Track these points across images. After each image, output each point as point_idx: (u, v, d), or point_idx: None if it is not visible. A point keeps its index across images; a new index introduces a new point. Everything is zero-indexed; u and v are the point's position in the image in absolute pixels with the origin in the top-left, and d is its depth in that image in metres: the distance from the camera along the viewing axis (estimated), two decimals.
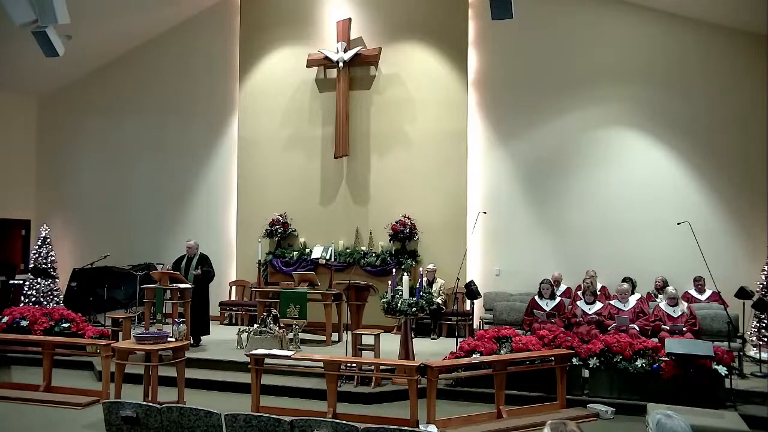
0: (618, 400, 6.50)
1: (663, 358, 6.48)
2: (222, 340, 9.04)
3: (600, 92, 10.01)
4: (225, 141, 11.75)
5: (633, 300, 8.27)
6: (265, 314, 8.25)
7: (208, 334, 8.89)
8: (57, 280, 11.20)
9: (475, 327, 9.58)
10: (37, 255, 11.09)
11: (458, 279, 8.44)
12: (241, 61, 11.62)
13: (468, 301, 9.18)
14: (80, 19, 9.20)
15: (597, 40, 10.04)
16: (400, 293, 7.01)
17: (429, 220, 10.53)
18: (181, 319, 7.78)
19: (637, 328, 7.69)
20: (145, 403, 4.73)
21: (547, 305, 8.15)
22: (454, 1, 10.61)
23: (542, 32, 10.24)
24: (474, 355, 6.71)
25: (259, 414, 4.30)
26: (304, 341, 8.77)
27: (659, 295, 8.89)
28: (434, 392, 5.78)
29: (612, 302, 8.16)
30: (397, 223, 10.42)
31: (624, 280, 9.00)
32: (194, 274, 8.68)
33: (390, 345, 7.85)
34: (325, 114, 11.10)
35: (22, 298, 10.89)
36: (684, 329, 7.47)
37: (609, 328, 7.54)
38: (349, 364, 6.90)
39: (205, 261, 8.95)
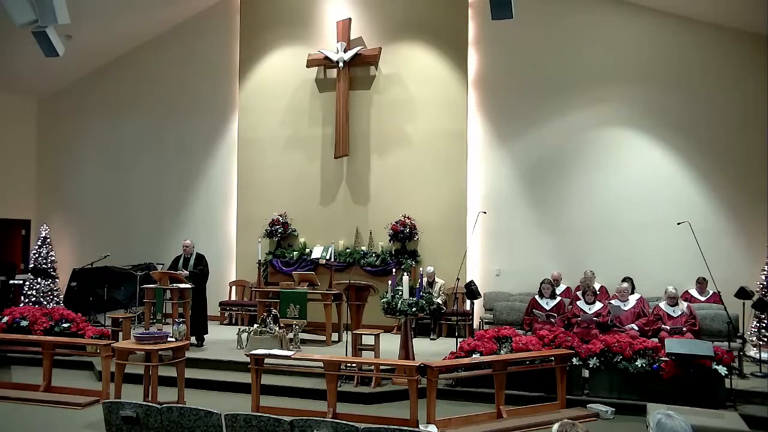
0: (618, 400, 6.50)
1: (663, 358, 6.48)
2: (222, 340, 9.05)
3: (600, 92, 10.01)
4: (225, 141, 11.75)
5: (633, 300, 8.27)
6: (265, 314, 8.26)
7: (206, 333, 8.89)
8: (57, 280, 11.21)
9: (475, 327, 9.59)
10: (37, 255, 11.09)
11: (458, 279, 8.43)
12: (241, 61, 11.62)
13: (468, 301, 9.18)
14: (80, 19, 9.21)
15: (597, 40, 10.04)
16: (400, 293, 7.01)
17: (429, 220, 10.53)
18: (181, 319, 7.79)
19: (637, 328, 7.70)
20: (145, 403, 4.73)
21: (548, 305, 8.15)
22: (454, 1, 10.61)
23: (542, 32, 10.23)
24: (474, 355, 6.71)
25: (259, 414, 4.30)
26: (304, 341, 8.78)
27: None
28: (434, 392, 5.78)
29: (612, 302, 8.15)
30: (397, 223, 10.42)
31: (624, 280, 9.00)
32: (182, 274, 8.64)
33: (390, 345, 7.86)
34: (325, 114, 11.10)
35: (22, 298, 10.90)
36: (684, 329, 7.47)
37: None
38: (349, 364, 6.90)
39: (200, 260, 8.95)
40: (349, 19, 10.96)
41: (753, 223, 9.25)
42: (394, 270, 8.66)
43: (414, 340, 7.48)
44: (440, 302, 9.59)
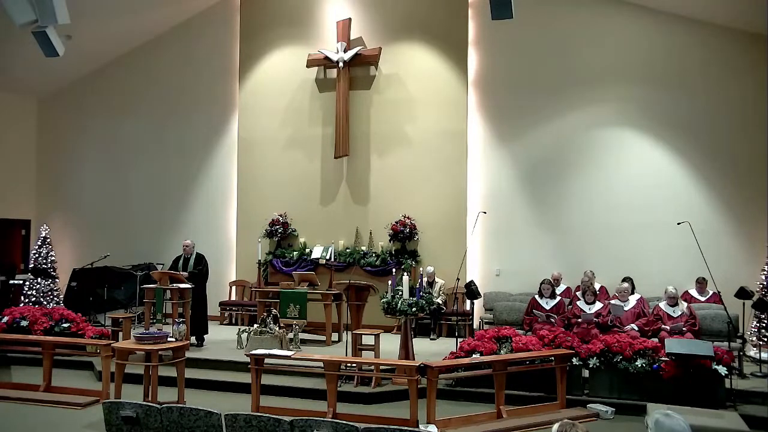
0: (618, 400, 6.50)
1: (663, 358, 6.47)
2: (222, 340, 9.05)
3: (600, 92, 10.01)
4: (225, 141, 11.75)
5: (633, 300, 8.26)
6: (265, 314, 8.26)
7: (207, 333, 8.89)
8: (57, 280, 11.21)
9: (475, 327, 9.58)
10: (37, 255, 11.09)
11: (458, 279, 8.43)
12: (241, 60, 11.63)
13: (468, 301, 9.18)
14: (80, 19, 9.21)
15: (597, 40, 10.04)
16: (400, 293, 7.01)
17: (429, 220, 10.53)
18: (181, 319, 7.79)
19: (637, 328, 7.70)
20: (145, 403, 4.73)
21: (548, 305, 8.15)
22: (454, 1, 10.61)
23: (542, 32, 10.23)
24: (474, 355, 6.71)
25: (259, 414, 4.30)
26: (304, 341, 8.78)
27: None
28: (434, 392, 5.78)
29: (612, 302, 8.15)
30: (397, 223, 10.42)
31: (624, 280, 9.00)
32: (182, 275, 8.61)
33: (390, 345, 7.86)
34: (325, 114, 11.10)
35: (22, 298, 10.90)
36: (684, 329, 7.47)
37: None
38: (349, 364, 6.90)
39: (200, 260, 8.95)
40: (349, 19, 10.96)
41: (753, 223, 9.25)
42: (394, 270, 8.66)
43: (414, 340, 7.48)
44: (440, 302, 9.59)
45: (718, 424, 5.23)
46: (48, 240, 11.23)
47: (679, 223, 8.00)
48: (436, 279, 9.81)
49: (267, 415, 4.29)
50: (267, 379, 6.68)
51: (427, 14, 10.71)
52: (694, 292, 8.86)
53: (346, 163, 11.02)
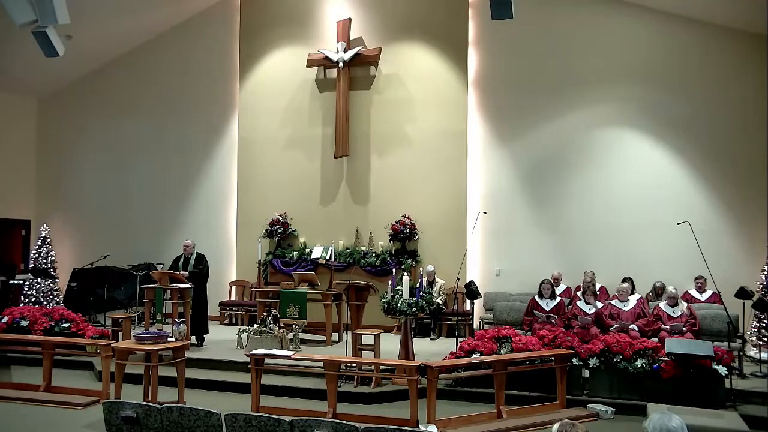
0: (618, 400, 6.51)
1: (663, 358, 6.48)
2: (222, 340, 9.05)
3: (600, 92, 10.01)
4: (225, 141, 11.75)
5: (633, 300, 8.26)
6: (265, 314, 8.26)
7: (207, 333, 8.89)
8: (57, 280, 11.21)
9: (475, 327, 9.58)
10: (37, 255, 11.09)
11: (458, 279, 8.43)
12: (241, 60, 11.63)
13: (468, 301, 9.18)
14: (80, 19, 9.21)
15: (597, 40, 10.04)
16: (400, 293, 7.01)
17: (429, 220, 10.53)
18: (181, 319, 7.79)
19: (637, 328, 7.70)
20: (145, 403, 4.74)
21: (547, 305, 8.15)
22: (454, 1, 10.61)
23: (542, 32, 10.23)
24: (474, 355, 6.72)
25: (259, 414, 4.31)
26: (304, 341, 8.78)
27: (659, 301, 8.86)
28: (434, 392, 5.79)
29: (612, 302, 8.15)
30: (397, 223, 10.42)
31: (624, 280, 9.00)
32: (182, 275, 8.60)
33: (390, 345, 7.86)
34: (325, 114, 11.10)
35: (22, 298, 10.90)
36: (684, 329, 7.47)
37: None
38: (349, 364, 6.90)
39: (200, 260, 8.95)
40: (349, 19, 10.96)
41: (753, 223, 9.25)
42: (394, 270, 8.66)
43: (414, 340, 7.48)
44: (440, 302, 9.59)
45: (718, 424, 5.23)
46: (48, 240, 11.23)
47: (679, 223, 8.01)
48: (436, 279, 9.81)
49: (267, 415, 4.29)
50: (267, 379, 6.68)
51: (427, 14, 10.71)
52: (694, 292, 8.87)
53: (346, 163, 11.02)
